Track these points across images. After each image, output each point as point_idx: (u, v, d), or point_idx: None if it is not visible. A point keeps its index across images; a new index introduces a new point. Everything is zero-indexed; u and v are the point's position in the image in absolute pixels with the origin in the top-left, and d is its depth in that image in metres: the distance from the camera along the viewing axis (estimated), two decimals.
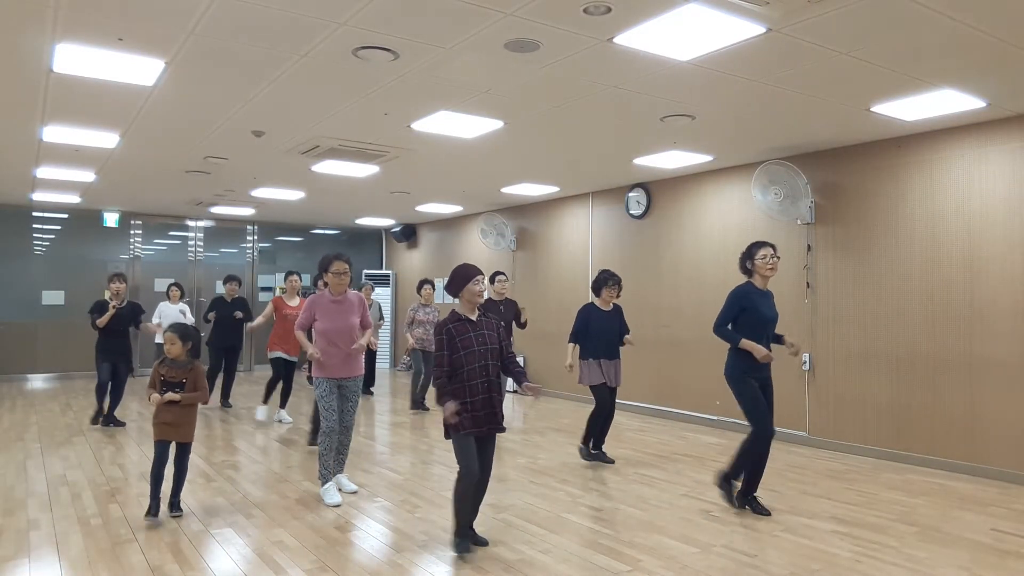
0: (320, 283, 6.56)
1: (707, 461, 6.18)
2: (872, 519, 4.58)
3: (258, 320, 8.11)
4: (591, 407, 6.08)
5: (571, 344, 6.10)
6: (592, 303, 6.13)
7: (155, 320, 9.13)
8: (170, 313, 9.05)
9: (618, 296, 6.13)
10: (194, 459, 6.07)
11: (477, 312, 4.00)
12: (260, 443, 6.81)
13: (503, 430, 3.96)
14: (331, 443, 4.90)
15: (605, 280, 6.05)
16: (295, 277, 8.09)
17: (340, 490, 5.03)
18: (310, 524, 4.40)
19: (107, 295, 7.42)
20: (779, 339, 4.84)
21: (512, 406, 9.31)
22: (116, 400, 7.53)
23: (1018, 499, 5.08)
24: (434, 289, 8.88)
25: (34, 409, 8.61)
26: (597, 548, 4.02)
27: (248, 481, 5.42)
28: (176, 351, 4.50)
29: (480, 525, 4.20)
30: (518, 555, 3.90)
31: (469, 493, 3.88)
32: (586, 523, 4.48)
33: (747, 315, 4.64)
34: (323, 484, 4.91)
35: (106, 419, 7.50)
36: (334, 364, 4.90)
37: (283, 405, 7.99)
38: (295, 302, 7.88)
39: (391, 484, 5.36)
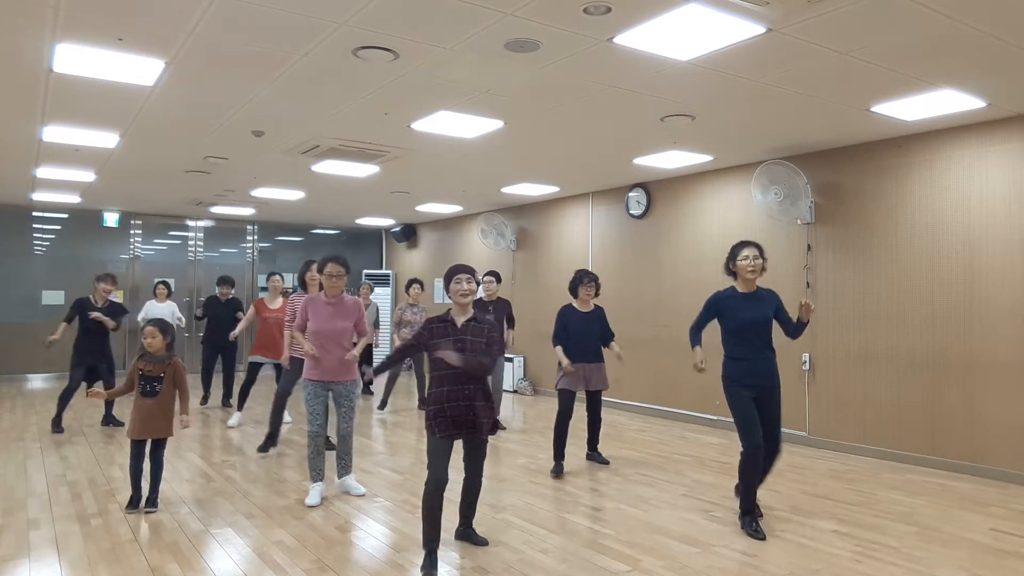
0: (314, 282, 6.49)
1: (707, 461, 6.18)
2: (872, 519, 4.58)
3: (240, 326, 7.86)
4: (591, 406, 6.05)
5: (556, 347, 5.86)
6: (571, 304, 5.94)
7: (140, 319, 9.09)
8: (157, 312, 8.83)
9: (596, 295, 5.94)
10: (194, 459, 6.08)
11: (470, 314, 3.78)
12: (260, 443, 6.80)
13: (482, 437, 3.77)
14: (317, 447, 4.88)
15: (580, 279, 5.86)
16: (277, 278, 7.83)
17: (349, 493, 5.04)
18: (310, 524, 4.40)
19: (96, 292, 7.31)
20: (800, 326, 4.46)
21: (512, 406, 9.31)
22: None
23: (1018, 499, 5.08)
24: (422, 289, 8.81)
25: (34, 409, 8.60)
26: (597, 548, 4.02)
27: (248, 481, 5.42)
28: (157, 345, 4.58)
29: (480, 525, 4.21)
30: (518, 555, 3.90)
31: (433, 501, 3.62)
32: (586, 523, 4.48)
33: (725, 321, 4.47)
34: (310, 482, 4.95)
35: (105, 419, 7.48)
36: (324, 367, 4.85)
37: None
38: (277, 303, 7.60)
39: (391, 484, 5.36)
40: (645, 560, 3.84)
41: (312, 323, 4.86)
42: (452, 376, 3.65)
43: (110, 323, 7.25)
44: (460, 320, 3.75)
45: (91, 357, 7.26)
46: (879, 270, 6.42)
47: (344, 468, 5.09)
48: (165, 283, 9.30)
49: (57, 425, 7.25)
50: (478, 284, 3.93)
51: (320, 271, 4.92)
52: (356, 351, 4.98)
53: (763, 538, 4.20)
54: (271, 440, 6.41)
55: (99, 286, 7.32)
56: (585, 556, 3.89)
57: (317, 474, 4.91)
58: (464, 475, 3.96)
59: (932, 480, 5.60)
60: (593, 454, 6.11)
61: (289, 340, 6.41)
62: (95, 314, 7.18)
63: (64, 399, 7.26)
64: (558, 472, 5.65)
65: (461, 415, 3.66)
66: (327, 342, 4.84)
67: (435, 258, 13.18)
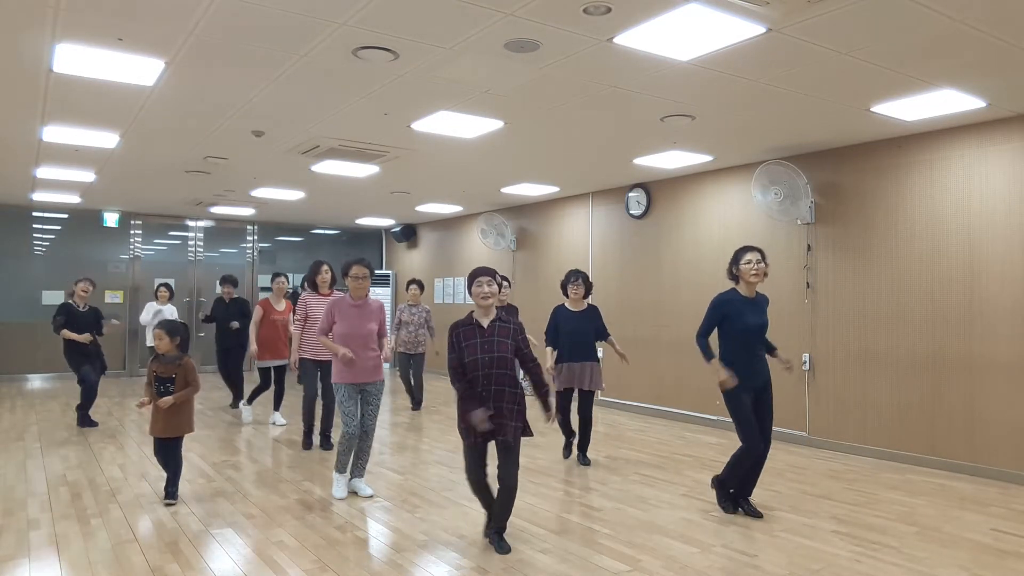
0: (306, 285, 6.65)
1: (707, 461, 6.18)
2: (872, 519, 4.59)
3: (253, 333, 7.62)
4: (581, 407, 6.03)
5: (547, 348, 6.01)
6: (563, 304, 6.01)
7: (150, 317, 9.04)
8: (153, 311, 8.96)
9: (586, 296, 5.97)
10: (194, 459, 6.08)
11: (493, 315, 3.91)
12: (260, 443, 6.80)
13: (503, 437, 3.82)
14: (350, 445, 4.95)
15: (569, 279, 5.95)
16: (282, 279, 7.83)
17: (356, 493, 5.04)
18: (310, 524, 4.40)
19: (77, 294, 7.37)
20: (772, 350, 4.71)
21: None
22: (90, 401, 7.53)
23: (1018, 499, 5.08)
24: (421, 290, 8.74)
25: (34, 409, 8.60)
26: (597, 548, 4.02)
27: (248, 481, 5.42)
28: (164, 346, 4.70)
29: (480, 525, 4.20)
30: (518, 555, 3.90)
31: (475, 490, 4.02)
32: (586, 523, 4.48)
33: (730, 324, 4.50)
34: (335, 472, 5.03)
35: (81, 420, 7.48)
36: (356, 369, 4.88)
37: (277, 407, 7.81)
38: (282, 306, 7.65)
39: (391, 484, 5.36)
40: (645, 560, 3.84)
41: (340, 326, 4.90)
42: (472, 380, 3.80)
43: (86, 339, 7.36)
44: (485, 322, 3.88)
45: (85, 359, 7.37)
46: (879, 270, 6.42)
47: (360, 468, 5.11)
48: (167, 285, 9.23)
49: (89, 420, 7.44)
50: (500, 286, 4.09)
51: (345, 274, 4.99)
52: (387, 351, 5.11)
53: (734, 512, 4.59)
54: (308, 437, 6.54)
55: (79, 288, 7.39)
56: (585, 556, 3.89)
57: (343, 466, 5.00)
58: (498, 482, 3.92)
59: (932, 480, 5.60)
60: (581, 456, 6.08)
61: (298, 341, 6.45)
62: (72, 335, 7.32)
63: (87, 397, 7.41)
64: (568, 449, 6.04)
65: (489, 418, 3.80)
66: (356, 344, 4.87)
67: (435, 258, 13.18)
